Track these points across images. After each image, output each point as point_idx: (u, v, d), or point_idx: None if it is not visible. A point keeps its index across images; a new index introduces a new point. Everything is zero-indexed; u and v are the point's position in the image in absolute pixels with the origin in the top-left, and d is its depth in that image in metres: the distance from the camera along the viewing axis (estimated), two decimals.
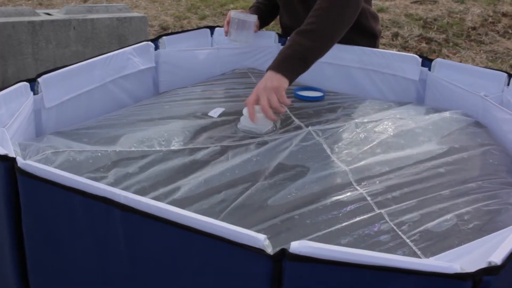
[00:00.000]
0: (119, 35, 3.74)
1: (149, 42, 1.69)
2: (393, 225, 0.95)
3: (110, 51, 1.54)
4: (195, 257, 0.76)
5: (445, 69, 1.62)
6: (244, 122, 1.33)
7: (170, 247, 0.78)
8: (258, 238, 0.71)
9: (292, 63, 1.32)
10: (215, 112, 1.41)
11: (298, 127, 1.35)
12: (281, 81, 1.29)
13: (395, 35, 5.07)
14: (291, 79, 1.32)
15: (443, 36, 5.07)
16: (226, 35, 1.77)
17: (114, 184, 1.06)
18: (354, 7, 1.42)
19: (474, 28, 5.23)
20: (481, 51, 4.85)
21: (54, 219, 0.89)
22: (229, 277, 0.75)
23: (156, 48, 1.73)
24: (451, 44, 4.96)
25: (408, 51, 4.75)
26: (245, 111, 1.33)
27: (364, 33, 1.74)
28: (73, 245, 0.89)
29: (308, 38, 1.33)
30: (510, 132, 1.37)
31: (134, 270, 0.83)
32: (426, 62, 1.66)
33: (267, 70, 1.34)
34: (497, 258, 0.68)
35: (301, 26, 1.38)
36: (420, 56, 1.69)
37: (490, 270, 0.66)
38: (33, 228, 0.92)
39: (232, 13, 1.72)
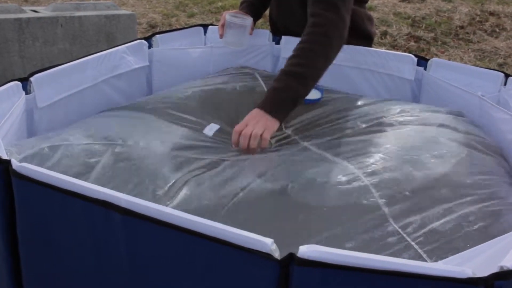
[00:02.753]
0: (107, 32, 3.69)
1: (143, 41, 1.66)
2: (398, 228, 0.94)
3: (98, 49, 1.52)
4: (200, 262, 0.74)
5: (441, 68, 1.61)
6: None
7: (173, 252, 0.76)
8: (265, 242, 0.69)
9: (285, 107, 1.33)
10: (210, 130, 1.38)
11: (295, 141, 1.34)
12: (273, 127, 1.29)
13: (384, 33, 5.08)
14: (281, 122, 1.32)
15: (432, 34, 5.09)
16: (221, 38, 1.75)
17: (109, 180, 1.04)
18: (338, 47, 1.43)
19: (462, 27, 5.26)
20: (469, 49, 4.87)
21: (51, 223, 0.86)
22: (234, 282, 0.73)
23: (150, 46, 1.70)
24: (439, 42, 4.98)
25: (397, 49, 4.76)
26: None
27: (359, 35, 1.73)
28: (70, 250, 0.86)
29: (300, 82, 1.34)
30: (508, 131, 1.36)
31: (135, 276, 0.80)
32: (422, 61, 1.66)
33: (257, 107, 1.31)
34: (509, 262, 0.67)
35: (290, 66, 1.36)
36: (415, 55, 1.68)
37: (502, 275, 0.65)
38: (29, 233, 0.90)
39: (227, 17, 1.70)
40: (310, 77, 1.36)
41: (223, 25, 1.72)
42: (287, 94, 1.32)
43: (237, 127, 1.27)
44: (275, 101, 1.32)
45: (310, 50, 1.37)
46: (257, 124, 1.26)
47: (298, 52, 1.38)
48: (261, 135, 1.25)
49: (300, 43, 1.40)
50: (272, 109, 1.30)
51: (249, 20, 1.73)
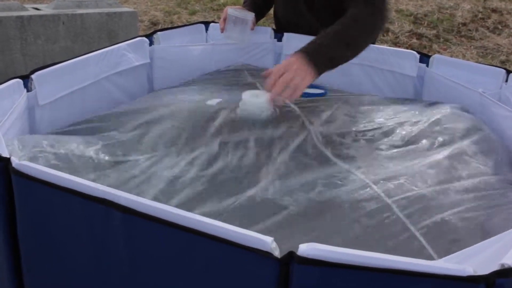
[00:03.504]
0: (109, 30, 3.69)
1: (144, 38, 1.66)
2: (402, 217, 0.93)
3: (99, 46, 1.51)
4: (199, 260, 0.74)
5: (443, 65, 1.61)
6: (244, 106, 1.32)
7: (172, 250, 0.76)
8: (265, 241, 0.69)
9: (328, 65, 1.31)
10: (214, 101, 1.38)
11: (303, 126, 1.33)
12: (310, 80, 1.26)
13: (386, 30, 5.07)
14: (317, 77, 1.30)
15: (434, 31, 5.08)
16: (222, 32, 1.74)
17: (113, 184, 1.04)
18: (379, 30, 1.44)
19: (464, 24, 5.24)
20: (472, 46, 4.86)
21: (51, 221, 0.86)
22: (234, 280, 0.73)
23: (151, 43, 1.70)
24: (441, 39, 4.97)
25: (399, 46, 4.75)
26: (244, 95, 1.33)
27: None
28: (70, 248, 0.86)
29: (348, 48, 1.33)
30: (508, 128, 1.36)
31: (135, 274, 0.80)
32: (424, 58, 1.65)
33: (302, 54, 1.27)
34: (510, 260, 0.66)
35: (347, 28, 1.34)
36: (417, 52, 1.68)
37: (504, 273, 0.65)
38: (29, 231, 0.89)
39: (229, 11, 1.70)
40: (361, 46, 1.36)
41: (224, 19, 1.72)
42: (333, 53, 1.30)
43: (277, 70, 1.22)
44: (323, 55, 1.28)
45: (368, 22, 1.37)
46: (297, 72, 1.22)
47: (350, 21, 1.36)
48: None
49: (350, 15, 1.38)
50: (317, 61, 1.25)
51: (251, 14, 1.73)
